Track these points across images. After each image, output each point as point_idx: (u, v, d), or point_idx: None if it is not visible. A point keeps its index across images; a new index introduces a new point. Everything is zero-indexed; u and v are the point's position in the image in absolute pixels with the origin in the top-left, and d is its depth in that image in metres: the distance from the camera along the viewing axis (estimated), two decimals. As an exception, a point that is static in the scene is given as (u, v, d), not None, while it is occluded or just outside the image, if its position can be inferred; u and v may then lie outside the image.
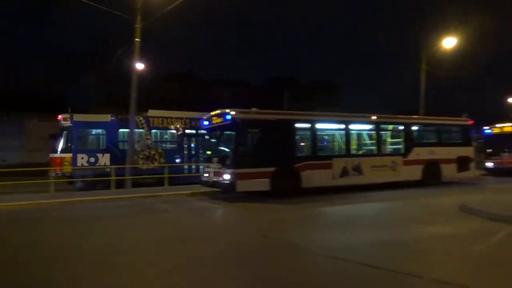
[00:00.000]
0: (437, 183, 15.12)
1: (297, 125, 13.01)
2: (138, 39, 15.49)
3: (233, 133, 12.09)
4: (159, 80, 38.81)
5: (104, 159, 15.90)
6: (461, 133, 16.46)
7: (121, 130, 16.58)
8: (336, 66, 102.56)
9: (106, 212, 10.56)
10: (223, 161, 12.06)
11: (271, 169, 11.79)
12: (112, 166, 15.32)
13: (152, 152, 16.36)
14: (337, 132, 14.04)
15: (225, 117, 11.97)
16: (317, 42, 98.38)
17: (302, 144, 13.72)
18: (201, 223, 8.88)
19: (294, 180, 12.26)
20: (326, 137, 14.37)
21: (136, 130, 15.99)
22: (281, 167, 11.98)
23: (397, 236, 6.71)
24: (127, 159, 15.41)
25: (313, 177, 12.61)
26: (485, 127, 21.10)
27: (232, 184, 11.38)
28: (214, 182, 12.21)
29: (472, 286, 4.11)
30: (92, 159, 15.77)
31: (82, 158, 15.66)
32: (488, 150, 20.51)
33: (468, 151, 16.22)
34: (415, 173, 14.94)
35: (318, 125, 13.35)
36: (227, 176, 11.57)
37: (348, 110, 16.18)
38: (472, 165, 16.44)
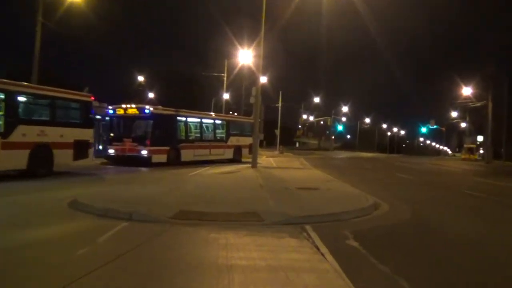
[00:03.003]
0: (48, 173, 12.31)
1: None
2: None
3: None
4: None
5: None
6: (80, 111, 13.95)
7: None
8: None
9: None
10: None
11: None
12: None
13: None
14: None
15: None
16: None
17: None
18: None
19: None
20: None
21: None
22: None
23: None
24: None
25: None
26: (109, 106, 18.79)
27: None
28: None
29: None
30: None
31: None
32: (111, 135, 18.59)
33: (87, 134, 13.94)
34: (19, 160, 11.53)
35: None
36: None
37: None
38: (92, 151, 14.45)
